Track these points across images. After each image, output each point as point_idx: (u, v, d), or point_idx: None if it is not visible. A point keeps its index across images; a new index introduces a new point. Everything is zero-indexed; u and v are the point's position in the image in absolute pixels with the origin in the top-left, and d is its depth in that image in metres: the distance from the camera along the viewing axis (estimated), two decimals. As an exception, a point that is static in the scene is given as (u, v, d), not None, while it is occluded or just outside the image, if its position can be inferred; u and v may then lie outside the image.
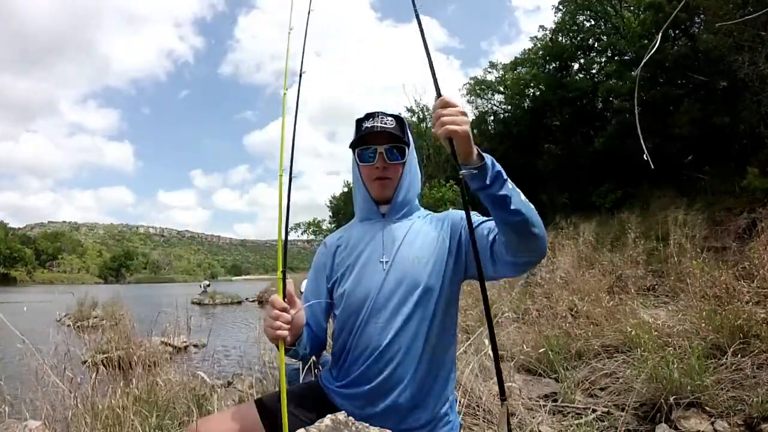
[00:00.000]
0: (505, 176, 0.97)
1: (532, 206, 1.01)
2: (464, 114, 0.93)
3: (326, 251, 1.30)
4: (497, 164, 0.96)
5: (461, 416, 2.42)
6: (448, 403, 1.18)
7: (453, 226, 1.22)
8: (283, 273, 1.07)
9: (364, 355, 1.14)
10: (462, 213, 1.17)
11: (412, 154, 1.26)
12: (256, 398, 1.26)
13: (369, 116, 1.23)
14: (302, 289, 3.90)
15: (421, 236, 1.20)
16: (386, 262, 1.17)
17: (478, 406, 2.57)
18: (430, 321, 1.14)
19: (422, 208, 1.32)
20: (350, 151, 1.27)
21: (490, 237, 1.09)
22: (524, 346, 3.55)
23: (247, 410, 1.18)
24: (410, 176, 1.25)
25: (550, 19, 18.87)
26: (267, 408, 1.17)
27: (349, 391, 1.16)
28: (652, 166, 1.15)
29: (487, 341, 2.33)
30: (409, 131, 1.26)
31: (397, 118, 1.24)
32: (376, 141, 1.21)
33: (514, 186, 0.98)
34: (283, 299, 1.06)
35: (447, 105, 0.93)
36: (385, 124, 1.21)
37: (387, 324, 1.13)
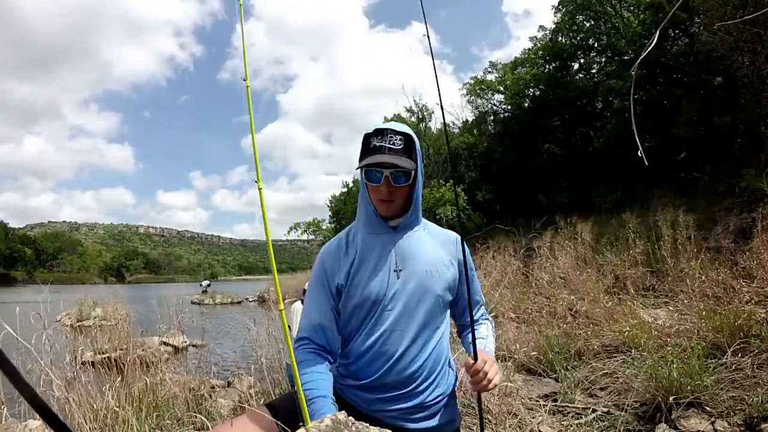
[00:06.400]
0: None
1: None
2: (492, 365, 1.19)
3: (333, 253, 1.28)
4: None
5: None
6: (448, 368, 1.32)
7: (458, 262, 1.31)
8: None
9: (383, 357, 1.19)
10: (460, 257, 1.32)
11: (418, 173, 1.23)
12: (266, 402, 1.27)
13: (378, 133, 1.18)
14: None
15: (429, 250, 1.26)
16: (400, 271, 1.22)
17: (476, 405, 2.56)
18: (438, 327, 1.25)
19: (421, 218, 1.35)
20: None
21: (456, 321, 1.40)
22: (524, 346, 3.55)
23: (261, 415, 1.18)
24: (418, 194, 1.27)
25: (539, 24, 18.82)
26: (279, 411, 1.19)
27: (371, 396, 1.21)
28: (646, 163, 1.20)
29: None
30: (418, 147, 1.24)
31: (407, 137, 1.19)
32: (383, 163, 1.16)
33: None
34: None
35: (479, 370, 1.15)
36: (393, 144, 1.17)
37: (405, 330, 1.20)
